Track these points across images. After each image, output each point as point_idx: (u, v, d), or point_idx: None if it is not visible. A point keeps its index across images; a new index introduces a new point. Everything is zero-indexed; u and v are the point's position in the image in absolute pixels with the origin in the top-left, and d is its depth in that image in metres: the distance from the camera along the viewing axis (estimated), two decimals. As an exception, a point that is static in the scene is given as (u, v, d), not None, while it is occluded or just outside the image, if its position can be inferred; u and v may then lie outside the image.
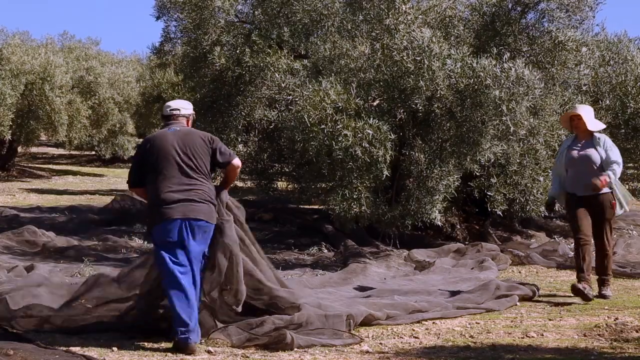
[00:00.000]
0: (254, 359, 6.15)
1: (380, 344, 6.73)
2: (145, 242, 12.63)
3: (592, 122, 8.67)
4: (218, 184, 7.10)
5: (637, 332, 7.08)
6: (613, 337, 6.91)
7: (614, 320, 7.52)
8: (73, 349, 6.23)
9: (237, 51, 13.78)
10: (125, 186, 25.66)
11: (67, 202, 19.01)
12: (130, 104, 28.48)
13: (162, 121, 7.00)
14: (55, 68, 23.94)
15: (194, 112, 7.14)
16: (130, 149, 30.50)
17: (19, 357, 5.50)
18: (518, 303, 8.33)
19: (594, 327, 7.26)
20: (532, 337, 6.96)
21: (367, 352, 6.44)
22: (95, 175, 28.75)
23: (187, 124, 6.93)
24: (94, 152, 32.71)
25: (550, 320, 7.63)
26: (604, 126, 9.02)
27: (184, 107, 6.98)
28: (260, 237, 10.93)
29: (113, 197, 17.16)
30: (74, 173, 28.82)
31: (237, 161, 6.86)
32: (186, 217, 6.41)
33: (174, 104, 7.04)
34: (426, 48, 10.39)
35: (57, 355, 5.75)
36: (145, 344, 6.62)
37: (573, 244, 8.94)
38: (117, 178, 28.07)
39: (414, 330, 7.14)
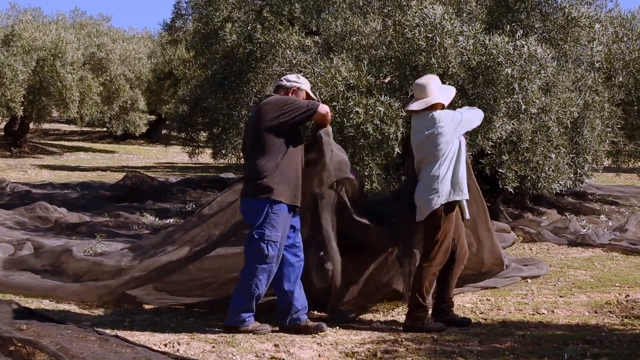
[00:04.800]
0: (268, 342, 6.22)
1: (392, 319, 6.76)
2: (157, 219, 12.68)
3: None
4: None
5: (648, 309, 7.09)
6: (624, 314, 6.92)
7: (625, 297, 7.53)
8: (85, 324, 6.29)
9: (249, 27, 13.74)
10: (136, 162, 25.84)
11: (78, 178, 19.12)
12: (141, 81, 28.54)
13: None
14: (66, 44, 23.99)
15: (299, 87, 6.44)
16: (141, 125, 30.56)
17: (32, 332, 5.54)
18: (529, 280, 8.34)
19: (604, 304, 7.27)
20: (543, 313, 6.97)
21: (379, 327, 6.48)
22: (106, 151, 28.85)
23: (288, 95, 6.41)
24: (105, 129, 32.81)
25: (561, 297, 7.64)
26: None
27: (288, 79, 6.50)
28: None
29: (125, 173, 17.23)
30: (86, 150, 28.94)
31: (321, 109, 6.24)
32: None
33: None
34: (438, 25, 10.33)
35: (70, 330, 5.79)
36: (156, 319, 6.69)
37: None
38: (129, 155, 28.19)
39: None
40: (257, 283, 6.15)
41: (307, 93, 6.44)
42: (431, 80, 6.59)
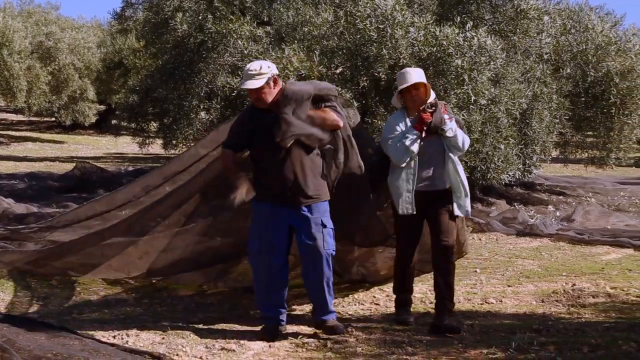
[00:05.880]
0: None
1: (342, 310, 6.77)
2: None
3: None
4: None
5: (593, 297, 7.21)
6: (570, 303, 7.03)
7: (572, 286, 7.64)
8: (32, 316, 6.22)
9: (200, 17, 13.64)
10: (85, 153, 25.43)
11: (26, 168, 18.82)
12: (90, 70, 28.16)
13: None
14: (13, 33, 23.55)
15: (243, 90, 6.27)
16: (91, 115, 30.19)
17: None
18: (478, 270, 8.42)
19: (551, 293, 7.37)
20: (492, 303, 7.05)
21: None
22: (55, 142, 28.43)
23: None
24: (53, 119, 32.35)
25: (509, 286, 7.73)
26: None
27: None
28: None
29: (74, 164, 17.01)
30: (34, 140, 28.49)
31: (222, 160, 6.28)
32: None
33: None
34: (389, 16, 10.37)
35: (16, 322, 5.72)
36: (105, 310, 6.63)
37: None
38: (78, 145, 27.82)
39: (374, 297, 7.19)
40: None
41: (251, 91, 5.99)
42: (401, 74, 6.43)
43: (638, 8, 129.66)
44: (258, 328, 6.06)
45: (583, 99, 13.24)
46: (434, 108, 6.17)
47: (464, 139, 6.24)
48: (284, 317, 6.10)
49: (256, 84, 5.92)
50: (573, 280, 7.91)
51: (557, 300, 7.14)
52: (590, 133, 14.43)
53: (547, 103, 12.11)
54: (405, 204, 6.15)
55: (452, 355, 5.54)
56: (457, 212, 6.23)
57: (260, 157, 6.02)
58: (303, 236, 5.97)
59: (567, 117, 12.96)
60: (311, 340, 5.87)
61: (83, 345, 5.33)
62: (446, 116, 6.19)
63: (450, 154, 6.22)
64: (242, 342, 5.79)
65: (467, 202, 6.27)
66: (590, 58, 12.72)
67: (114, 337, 5.82)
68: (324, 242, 5.94)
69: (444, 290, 6.23)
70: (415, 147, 6.12)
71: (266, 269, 5.99)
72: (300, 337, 5.95)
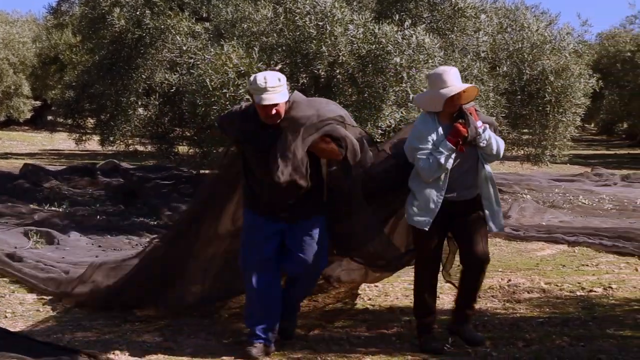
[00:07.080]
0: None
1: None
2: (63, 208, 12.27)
3: None
4: None
5: (528, 293, 7.33)
6: (506, 299, 7.13)
7: (507, 282, 7.75)
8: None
9: (137, 12, 13.46)
10: (20, 149, 24.92)
11: (-42, 165, 18.43)
12: (25, 66, 27.73)
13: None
14: (-55, 27, 23.08)
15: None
16: (25, 111, 29.69)
17: None
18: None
19: (487, 289, 7.46)
20: (429, 299, 7.09)
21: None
22: (-12, 138, 27.93)
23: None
24: (-13, 115, 31.76)
25: (446, 282, 7.79)
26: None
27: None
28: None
29: (6, 160, 16.71)
30: (-34, 136, 27.95)
31: None
32: None
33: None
34: (328, 13, 10.38)
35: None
36: (40, 310, 6.53)
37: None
38: (12, 141, 27.33)
39: (314, 294, 7.18)
40: None
41: (268, 106, 5.40)
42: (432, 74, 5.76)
43: (572, 7, 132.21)
44: (197, 326, 6.02)
45: (519, 96, 13.42)
46: (464, 119, 5.54)
47: (498, 145, 5.63)
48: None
49: (278, 98, 5.40)
50: (509, 276, 8.03)
51: (493, 296, 7.24)
52: (526, 130, 14.63)
53: (484, 101, 12.24)
54: (424, 219, 5.53)
55: (389, 351, 5.58)
56: (491, 227, 5.65)
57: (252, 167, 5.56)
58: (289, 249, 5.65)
59: (504, 115, 13.11)
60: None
61: (16, 344, 5.24)
62: (479, 123, 5.56)
63: (484, 163, 5.65)
64: (179, 339, 5.74)
65: (501, 216, 5.69)
66: (526, 56, 12.90)
67: (49, 335, 5.73)
68: (313, 263, 5.65)
69: (469, 299, 5.89)
70: (449, 164, 5.48)
71: (257, 282, 5.55)
72: (237, 335, 5.93)
